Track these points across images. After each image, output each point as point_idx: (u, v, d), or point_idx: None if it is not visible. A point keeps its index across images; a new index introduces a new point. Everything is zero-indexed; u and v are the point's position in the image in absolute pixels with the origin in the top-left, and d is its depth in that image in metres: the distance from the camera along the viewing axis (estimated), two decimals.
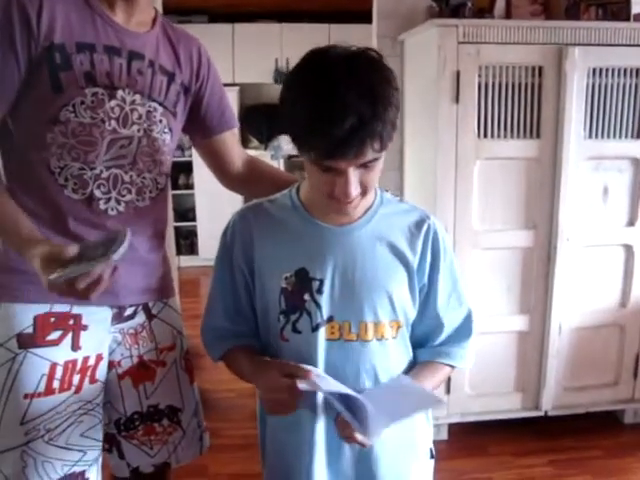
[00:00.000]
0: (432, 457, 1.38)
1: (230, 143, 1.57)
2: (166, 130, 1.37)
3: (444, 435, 2.77)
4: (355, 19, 4.63)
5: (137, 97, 1.31)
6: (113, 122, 1.27)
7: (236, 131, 1.60)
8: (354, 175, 1.08)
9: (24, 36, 1.18)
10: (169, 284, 1.52)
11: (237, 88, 5.81)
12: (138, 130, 1.32)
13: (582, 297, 2.70)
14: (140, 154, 1.33)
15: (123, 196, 1.32)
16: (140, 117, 1.32)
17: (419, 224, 1.27)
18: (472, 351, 1.35)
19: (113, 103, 1.27)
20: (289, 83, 1.10)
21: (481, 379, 2.70)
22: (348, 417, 1.10)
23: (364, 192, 1.13)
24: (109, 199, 1.31)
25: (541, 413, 2.79)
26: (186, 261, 5.82)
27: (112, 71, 1.26)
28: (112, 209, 1.31)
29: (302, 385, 1.09)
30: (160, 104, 1.35)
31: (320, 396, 1.21)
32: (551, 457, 2.65)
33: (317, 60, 1.07)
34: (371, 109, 1.01)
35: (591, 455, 2.68)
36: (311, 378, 1.11)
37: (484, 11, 2.61)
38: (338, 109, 1.00)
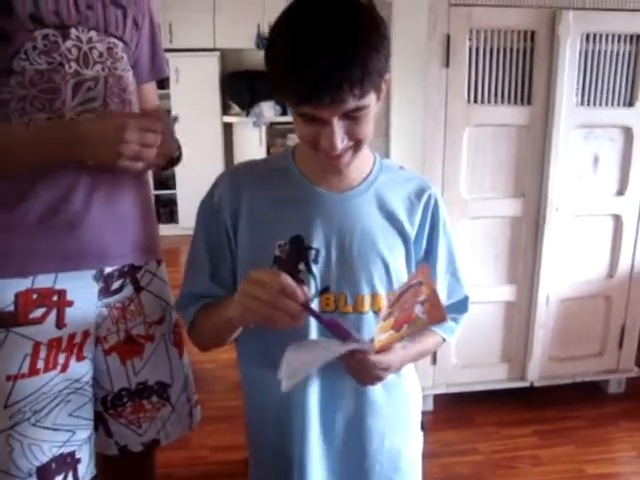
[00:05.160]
0: (422, 429, 1.35)
1: (151, 97, 1.46)
2: (127, 67, 1.29)
3: (430, 406, 2.75)
4: None
5: (93, 34, 1.21)
6: (73, 64, 1.18)
7: (154, 85, 1.49)
8: (338, 126, 1.01)
9: None
10: (156, 243, 1.43)
11: (218, 54, 5.66)
12: (102, 69, 1.23)
13: (570, 268, 2.67)
14: (110, 95, 1.24)
15: None
16: (101, 55, 1.23)
17: (419, 194, 1.21)
18: (461, 329, 1.31)
19: (69, 44, 1.18)
20: (273, 28, 1.03)
21: (467, 350, 2.68)
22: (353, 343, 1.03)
23: (356, 146, 1.06)
24: None
25: (527, 384, 2.79)
26: (166, 230, 5.72)
27: (59, 9, 1.16)
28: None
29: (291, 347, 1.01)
30: (119, 39, 1.27)
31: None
32: (536, 427, 2.66)
33: (302, 2, 1.01)
34: (352, 51, 0.94)
35: (575, 425, 2.69)
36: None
37: None
38: (316, 47, 0.94)
